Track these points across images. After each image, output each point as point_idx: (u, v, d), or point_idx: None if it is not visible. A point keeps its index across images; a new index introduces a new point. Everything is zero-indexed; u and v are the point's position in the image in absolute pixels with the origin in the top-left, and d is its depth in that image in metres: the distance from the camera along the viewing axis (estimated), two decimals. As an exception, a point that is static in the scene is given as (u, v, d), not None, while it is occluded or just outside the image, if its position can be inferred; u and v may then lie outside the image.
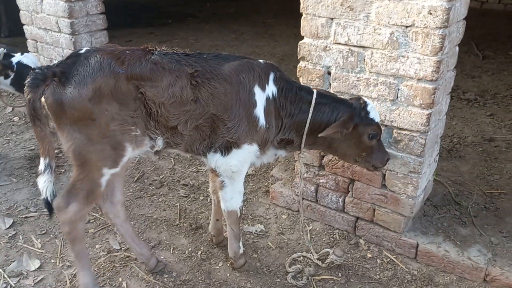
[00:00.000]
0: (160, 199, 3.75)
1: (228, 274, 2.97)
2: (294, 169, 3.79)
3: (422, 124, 2.65)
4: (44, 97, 2.27)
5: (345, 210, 3.20)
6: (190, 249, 3.19)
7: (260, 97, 2.52)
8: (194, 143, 2.55)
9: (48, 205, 2.46)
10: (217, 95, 2.42)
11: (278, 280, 2.92)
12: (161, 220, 3.50)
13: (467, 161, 3.90)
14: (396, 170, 2.85)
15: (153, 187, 3.93)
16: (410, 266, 2.98)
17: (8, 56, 4.17)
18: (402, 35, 2.54)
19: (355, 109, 2.54)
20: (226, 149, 2.55)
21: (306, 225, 3.37)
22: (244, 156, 2.61)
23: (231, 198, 2.75)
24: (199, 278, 2.94)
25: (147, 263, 2.94)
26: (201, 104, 2.42)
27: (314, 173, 3.24)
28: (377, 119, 2.56)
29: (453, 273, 2.86)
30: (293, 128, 2.64)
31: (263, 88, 2.53)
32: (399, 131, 2.75)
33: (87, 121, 2.28)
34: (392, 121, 2.75)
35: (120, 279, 2.92)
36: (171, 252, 3.16)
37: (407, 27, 2.50)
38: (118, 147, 2.40)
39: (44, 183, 2.42)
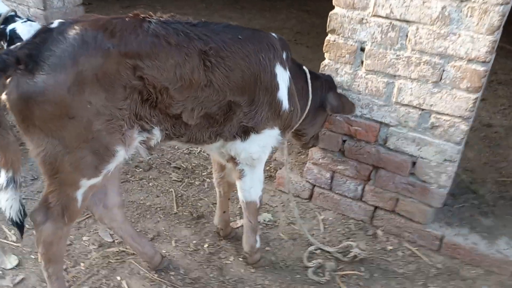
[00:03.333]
0: (150, 184, 3.33)
1: (242, 270, 2.66)
2: (298, 152, 3.50)
3: (466, 109, 2.44)
4: (5, 93, 1.70)
5: (363, 199, 2.97)
6: (195, 241, 2.83)
7: (283, 77, 2.20)
8: (201, 132, 2.11)
9: (18, 224, 1.93)
10: (234, 79, 2.01)
11: (298, 276, 2.65)
12: (156, 208, 3.09)
13: (471, 147, 3.80)
14: (430, 158, 2.64)
15: (140, 169, 3.48)
16: (433, 259, 2.82)
17: (12, 20, 3.32)
18: (456, 10, 2.28)
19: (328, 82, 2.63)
20: (244, 134, 2.21)
21: (318, 214, 3.12)
22: (265, 141, 2.29)
23: (251, 187, 2.43)
24: (211, 276, 2.60)
25: (150, 261, 2.55)
26: (214, 89, 1.98)
27: (332, 159, 2.97)
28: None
29: (480, 266, 2.73)
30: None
31: (285, 67, 2.22)
32: (438, 116, 2.53)
33: (63, 119, 1.72)
34: (431, 105, 2.52)
35: (119, 278, 2.51)
36: (173, 245, 2.78)
37: (462, 1, 2.25)
38: (103, 152, 1.86)
39: (6, 201, 1.86)
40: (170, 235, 2.87)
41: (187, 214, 3.06)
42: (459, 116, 2.48)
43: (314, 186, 3.14)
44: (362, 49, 2.61)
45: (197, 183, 3.39)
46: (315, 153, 3.03)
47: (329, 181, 3.05)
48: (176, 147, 3.74)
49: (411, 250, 2.87)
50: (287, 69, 2.23)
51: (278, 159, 3.49)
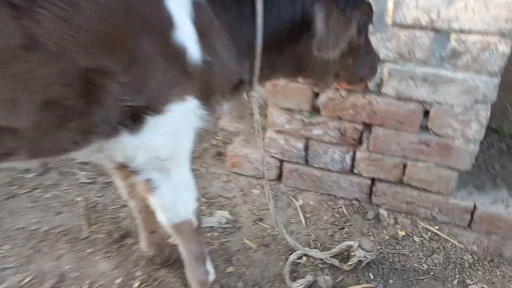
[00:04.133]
0: (47, 195, 2.29)
1: (196, 316, 1.75)
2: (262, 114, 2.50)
3: (508, 19, 1.50)
4: None
5: (355, 171, 2.07)
6: (119, 279, 1.87)
7: (180, 3, 1.17)
8: (50, 136, 1.11)
9: None
10: (84, 25, 0.97)
11: (281, 308, 1.78)
12: (56, 233, 2.07)
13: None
14: (451, 101, 1.73)
15: (32, 174, 2.42)
16: (463, 239, 2.00)
17: None
18: None
19: None
20: (134, 121, 1.18)
21: (294, 200, 2.20)
22: (177, 125, 1.26)
23: (174, 202, 1.44)
24: (148, 336, 1.68)
25: None
26: (46, 54, 0.96)
27: (303, 121, 2.01)
28: None
29: (529, 241, 1.94)
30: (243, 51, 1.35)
31: None
32: (463, 37, 1.59)
33: None
34: (450, 21, 1.57)
35: None
36: (87, 292, 1.83)
37: None
38: None
39: None
40: (81, 275, 1.89)
41: (104, 235, 2.07)
42: (496, 33, 1.54)
43: (282, 161, 2.19)
44: None
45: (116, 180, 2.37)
46: (276, 116, 2.05)
47: (303, 152, 2.11)
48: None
49: (432, 231, 2.03)
50: None
51: (226, 127, 2.49)
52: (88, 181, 2.37)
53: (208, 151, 2.49)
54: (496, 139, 2.26)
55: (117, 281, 1.87)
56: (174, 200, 1.43)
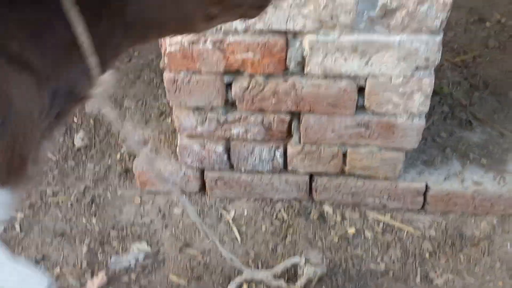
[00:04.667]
0: None
1: None
2: (161, 115, 2.08)
3: (447, -40, 1.20)
4: None
5: (289, 168, 1.73)
6: None
7: None
8: None
9: None
10: None
11: None
12: None
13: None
14: (389, 72, 1.42)
15: None
16: (419, 224, 1.75)
17: None
18: None
19: None
20: None
21: (225, 212, 1.84)
22: None
23: None
24: None
25: None
26: None
27: (218, 120, 1.63)
28: None
29: (490, 213, 1.73)
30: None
31: None
32: (393, -10, 1.27)
33: None
34: (376, -29, 1.24)
35: None
36: None
37: None
38: None
39: None
40: None
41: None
42: (435, -22, 1.24)
43: (202, 171, 1.81)
44: None
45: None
46: (184, 119, 1.65)
47: (225, 156, 1.73)
48: None
49: (384, 221, 1.76)
50: None
51: (129, 136, 2.04)
52: None
53: (112, 169, 2.04)
54: (437, 102, 2.03)
55: None
56: None
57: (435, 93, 2.00)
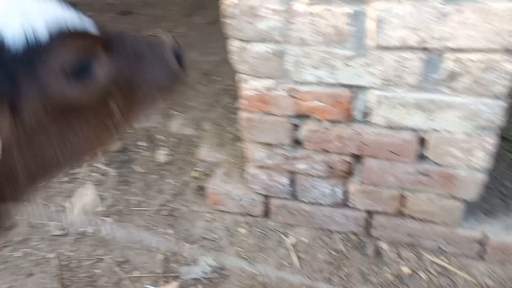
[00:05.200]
0: (18, 253, 2.08)
1: None
2: (236, 141, 2.27)
3: (514, 34, 1.25)
4: None
5: (349, 204, 1.84)
6: None
7: None
8: None
9: None
10: None
11: None
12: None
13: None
14: (451, 128, 1.49)
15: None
16: (476, 272, 1.78)
17: None
18: None
19: None
20: None
21: (285, 237, 1.99)
22: None
23: None
24: None
25: None
26: None
27: (285, 155, 1.78)
28: (40, 24, 0.77)
29: (551, 269, 1.72)
30: None
31: None
32: (459, 56, 1.34)
33: None
34: (444, 39, 1.32)
35: None
36: None
37: None
38: None
39: None
40: None
41: (79, 300, 1.88)
42: (500, 49, 1.29)
43: (268, 197, 1.97)
44: (291, -41, 1.32)
45: (90, 230, 2.16)
46: (254, 152, 1.82)
47: (290, 187, 1.88)
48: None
49: (440, 264, 1.81)
50: None
51: (205, 158, 2.26)
52: (60, 233, 2.16)
53: (189, 185, 2.27)
54: (505, 149, 2.02)
55: None
56: None
57: (504, 139, 2.01)
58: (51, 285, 1.93)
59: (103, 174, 2.41)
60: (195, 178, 2.29)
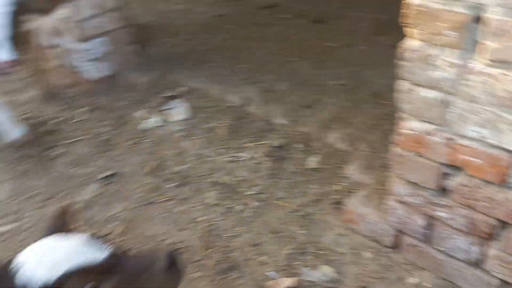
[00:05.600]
0: (177, 209, 2.53)
1: None
2: (385, 168, 2.32)
3: None
4: None
5: (483, 266, 1.77)
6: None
7: None
8: None
9: None
10: None
11: None
12: (176, 249, 2.30)
13: None
14: None
15: (172, 184, 2.70)
16: None
17: None
18: None
19: None
20: None
21: (408, 275, 2.01)
22: None
23: None
24: None
25: None
26: None
27: (427, 199, 1.80)
28: (54, 270, 1.11)
29: None
30: None
31: None
32: None
33: None
34: None
35: None
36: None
37: None
38: None
39: None
40: (186, 297, 2.07)
41: (213, 262, 2.21)
42: None
43: (401, 232, 2.01)
44: (478, 20, 1.34)
45: (237, 208, 2.49)
46: (398, 186, 1.88)
47: (425, 230, 1.89)
48: (219, 149, 2.84)
49: None
50: None
51: (351, 175, 2.37)
52: (214, 202, 2.54)
53: (328, 196, 2.42)
54: None
55: (212, 314, 1.99)
56: None
57: None
58: (195, 243, 2.30)
59: (259, 163, 2.71)
60: (337, 191, 2.42)
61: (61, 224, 1.31)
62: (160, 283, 1.30)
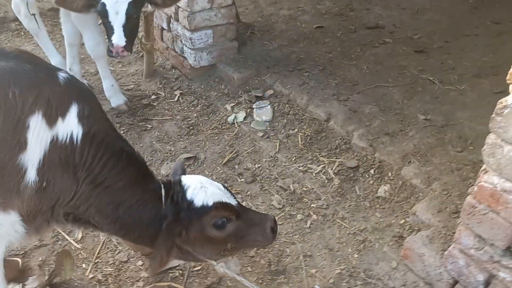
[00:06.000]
0: (244, 204, 2.66)
1: None
2: (455, 214, 2.28)
3: None
4: None
5: None
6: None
7: (39, 135, 1.51)
8: None
9: None
10: None
11: None
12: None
13: None
14: None
15: (242, 179, 2.84)
16: None
17: None
18: None
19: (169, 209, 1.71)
20: None
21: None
22: None
23: None
24: None
25: None
26: None
27: (492, 257, 1.76)
28: (209, 198, 1.71)
29: None
30: (96, 207, 1.66)
31: (50, 122, 1.53)
32: None
33: None
34: None
35: None
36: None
37: None
38: None
39: None
40: (234, 284, 2.19)
41: (264, 262, 2.32)
42: None
43: (456, 282, 1.98)
44: None
45: (298, 217, 2.57)
46: (464, 236, 1.85)
47: (482, 286, 1.85)
48: (293, 159, 2.94)
49: None
50: (55, 127, 1.54)
51: (419, 214, 2.34)
52: (277, 206, 2.64)
53: (390, 228, 2.42)
54: None
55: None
56: None
57: None
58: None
59: (328, 179, 2.77)
60: (401, 225, 2.42)
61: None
62: (261, 239, 1.84)
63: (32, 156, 1.50)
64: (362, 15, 4.42)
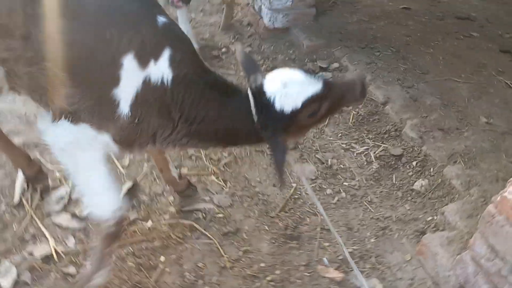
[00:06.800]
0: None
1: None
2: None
3: None
4: None
5: None
6: (263, 264, 2.21)
7: (132, 74, 1.60)
8: (36, 90, 1.69)
9: None
10: (60, 42, 1.54)
11: None
12: (258, 198, 2.54)
13: None
14: None
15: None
16: None
17: None
18: None
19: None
20: (60, 114, 1.67)
21: None
22: (79, 137, 1.70)
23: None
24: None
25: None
26: (32, 46, 1.57)
27: (501, 271, 1.69)
28: (297, 100, 1.68)
29: None
30: (196, 137, 1.83)
31: (142, 63, 1.60)
32: None
33: None
34: None
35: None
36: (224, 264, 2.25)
37: None
38: None
39: None
40: (249, 238, 2.31)
41: (282, 225, 2.40)
42: None
43: (462, 286, 1.93)
44: None
45: (328, 191, 2.61)
46: (478, 245, 1.79)
47: (486, 296, 1.80)
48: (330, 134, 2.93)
49: None
50: (147, 69, 1.61)
51: (447, 214, 2.27)
52: (311, 177, 2.69)
53: (415, 222, 2.38)
54: None
55: (262, 264, 2.22)
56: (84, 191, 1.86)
57: None
58: (279, 203, 2.51)
59: (368, 162, 2.75)
60: (426, 222, 2.37)
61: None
62: (353, 102, 1.90)
63: (125, 92, 1.61)
64: (456, 3, 4.15)
